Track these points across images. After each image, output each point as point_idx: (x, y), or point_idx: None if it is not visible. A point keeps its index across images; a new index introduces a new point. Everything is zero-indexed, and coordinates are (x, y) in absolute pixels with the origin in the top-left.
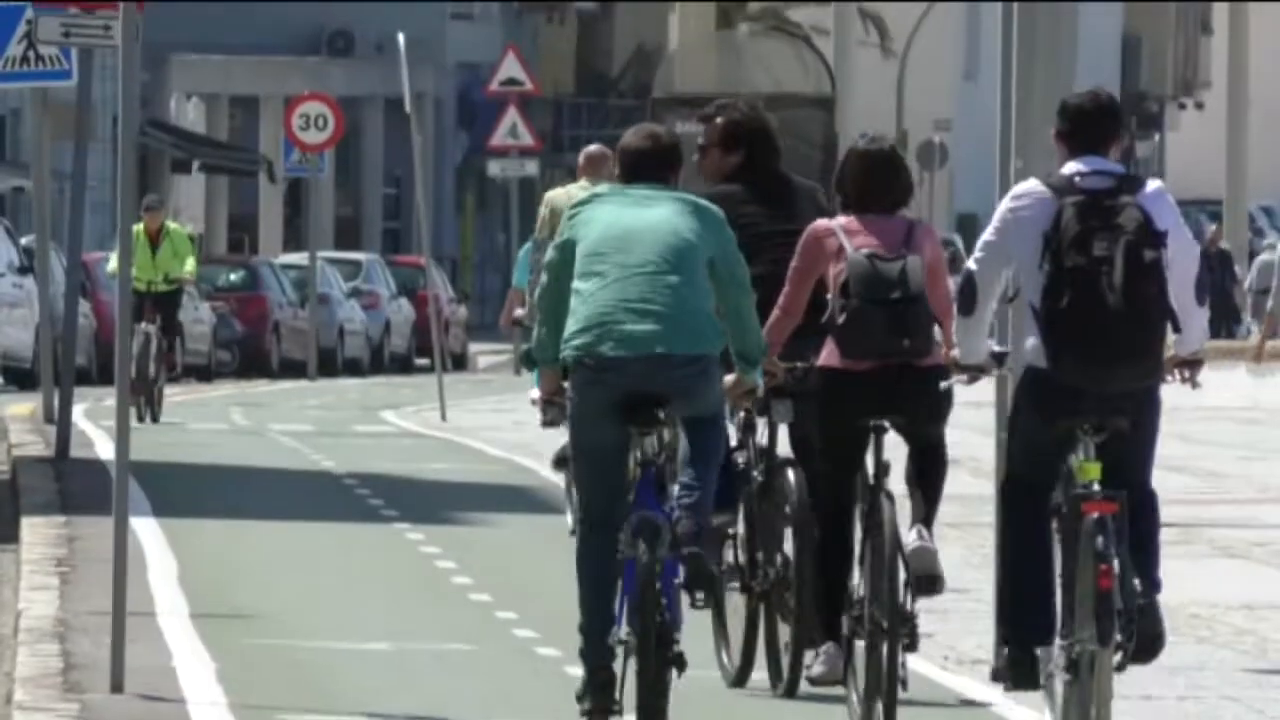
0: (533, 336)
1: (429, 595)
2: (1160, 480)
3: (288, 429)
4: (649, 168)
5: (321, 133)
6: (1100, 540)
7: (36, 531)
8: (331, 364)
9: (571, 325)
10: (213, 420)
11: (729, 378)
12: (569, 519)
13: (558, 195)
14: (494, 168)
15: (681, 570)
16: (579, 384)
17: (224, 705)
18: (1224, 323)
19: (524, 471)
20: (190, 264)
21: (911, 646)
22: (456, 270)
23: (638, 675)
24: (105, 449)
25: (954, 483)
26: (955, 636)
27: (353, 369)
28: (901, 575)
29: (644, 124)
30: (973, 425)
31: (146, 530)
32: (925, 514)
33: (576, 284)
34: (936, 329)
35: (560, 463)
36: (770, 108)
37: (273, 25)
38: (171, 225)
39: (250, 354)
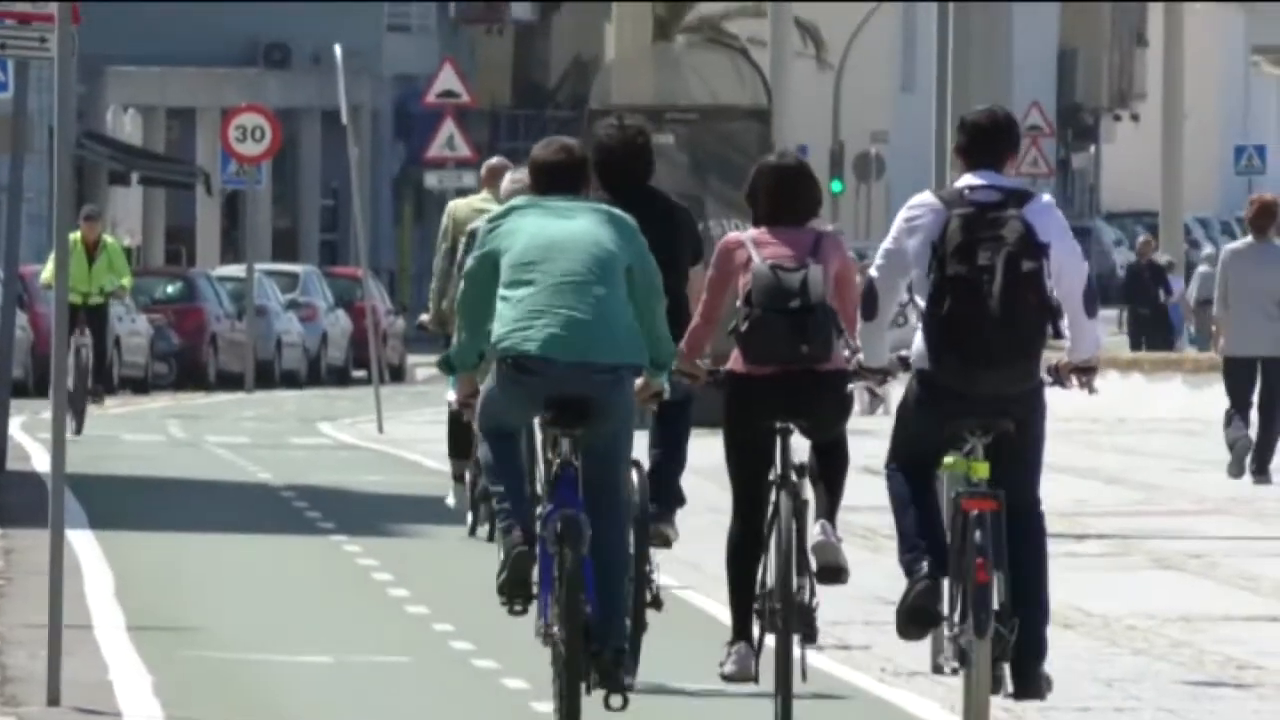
0: (452, 343)
1: (366, 607)
2: (1097, 492)
3: (225, 441)
4: (563, 180)
5: (259, 144)
6: (979, 535)
7: None
8: (269, 376)
9: (500, 327)
10: (149, 432)
11: (638, 381)
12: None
13: (459, 206)
14: (431, 179)
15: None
16: (502, 380)
17: (161, 718)
18: (1159, 334)
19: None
20: (127, 278)
21: (810, 639)
22: (394, 282)
23: (565, 665)
24: (42, 462)
25: None
26: (893, 649)
27: (290, 381)
28: (795, 570)
29: (555, 138)
30: None
31: (83, 543)
32: (829, 508)
33: (505, 291)
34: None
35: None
36: (707, 119)
37: (209, 36)
38: (108, 239)
39: (187, 366)
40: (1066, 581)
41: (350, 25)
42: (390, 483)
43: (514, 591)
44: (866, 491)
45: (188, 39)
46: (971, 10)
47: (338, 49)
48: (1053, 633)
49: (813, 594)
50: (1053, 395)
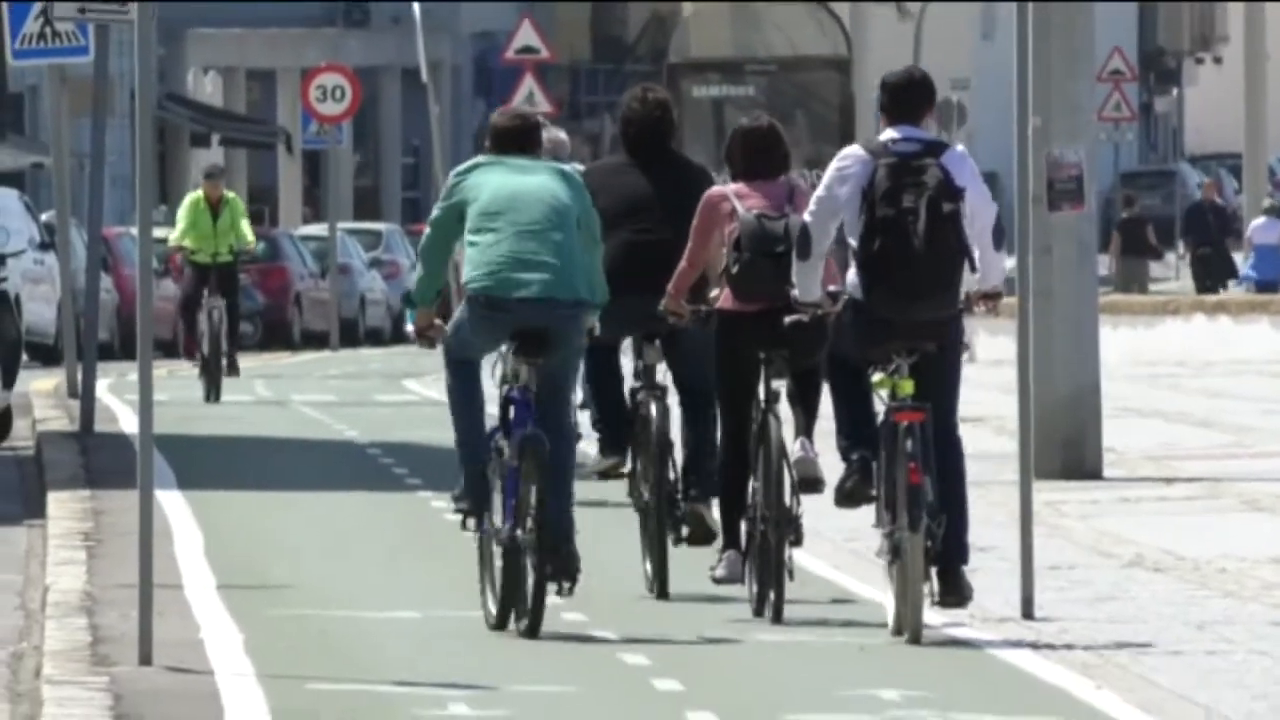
0: (413, 280)
1: (454, 563)
2: (1187, 435)
3: (311, 399)
4: (518, 142)
5: (339, 104)
6: (909, 443)
7: (62, 506)
8: (353, 334)
9: (471, 270)
10: (236, 392)
11: None
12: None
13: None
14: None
15: (549, 565)
16: (474, 315)
17: (252, 676)
18: (1221, 277)
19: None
20: (248, 232)
21: (797, 542)
22: None
23: (534, 566)
24: (129, 423)
25: (977, 441)
26: (982, 595)
27: (374, 339)
28: (787, 480)
29: (510, 107)
30: (994, 384)
31: (172, 503)
32: (806, 427)
33: (473, 237)
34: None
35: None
36: (786, 71)
37: None
38: (230, 195)
39: (272, 325)
40: (1156, 525)
41: None
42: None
43: (476, 510)
44: None
45: (266, 0)
46: None
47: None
48: (1144, 576)
49: (797, 502)
50: (1139, 341)
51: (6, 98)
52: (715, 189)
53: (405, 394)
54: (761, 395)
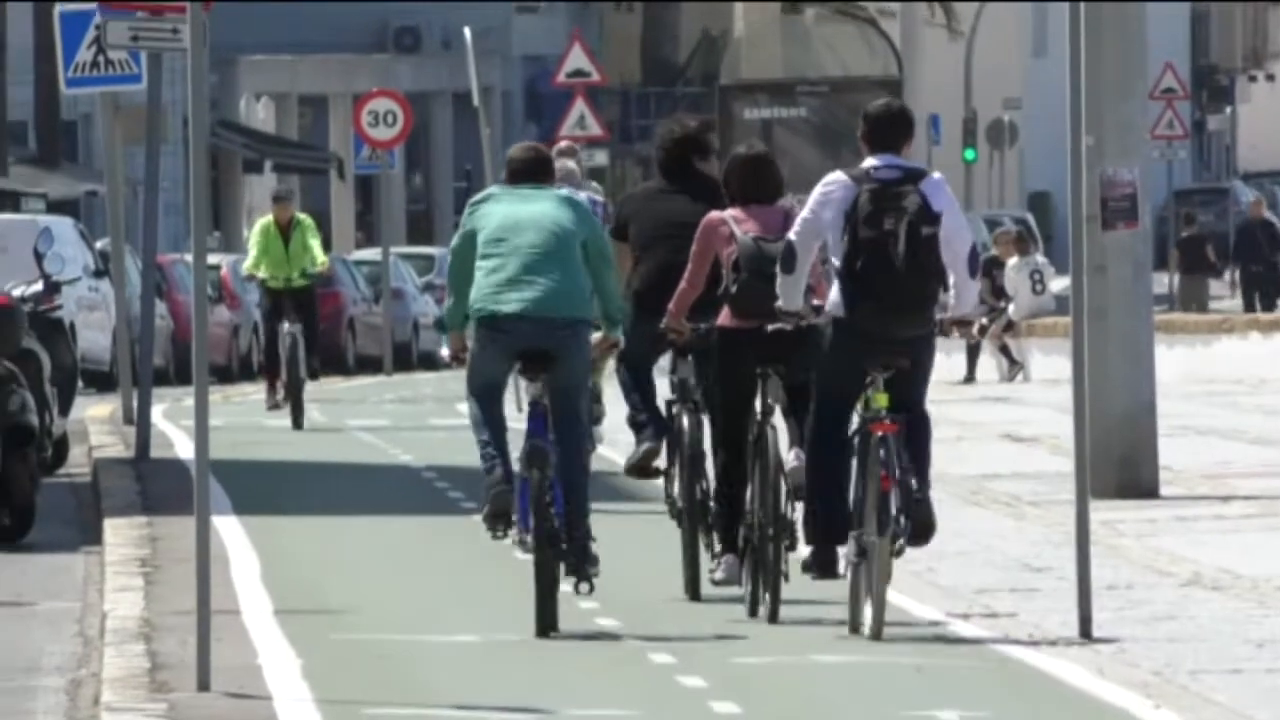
0: (444, 307)
1: (512, 586)
2: (1243, 453)
3: (365, 424)
4: (530, 173)
5: (391, 129)
6: (882, 453)
7: (119, 533)
8: (407, 358)
9: (476, 294)
10: (290, 418)
11: (597, 335)
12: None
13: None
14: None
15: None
16: (480, 338)
17: (310, 701)
18: (1272, 295)
19: (601, 460)
20: (319, 253)
21: (791, 547)
22: None
23: (536, 567)
24: (185, 449)
25: (1032, 461)
26: (1040, 614)
27: (428, 363)
28: (783, 488)
29: (525, 141)
30: (1050, 403)
31: (228, 528)
32: (799, 437)
33: (480, 263)
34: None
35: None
36: (838, 91)
37: (339, 23)
38: (301, 217)
39: (326, 351)
40: (1213, 544)
41: (479, 7)
42: None
43: (494, 523)
44: (1008, 458)
45: (318, 26)
46: None
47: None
48: (1202, 595)
49: (791, 509)
50: (1194, 359)
51: (60, 126)
52: (714, 214)
53: (459, 418)
54: (758, 408)
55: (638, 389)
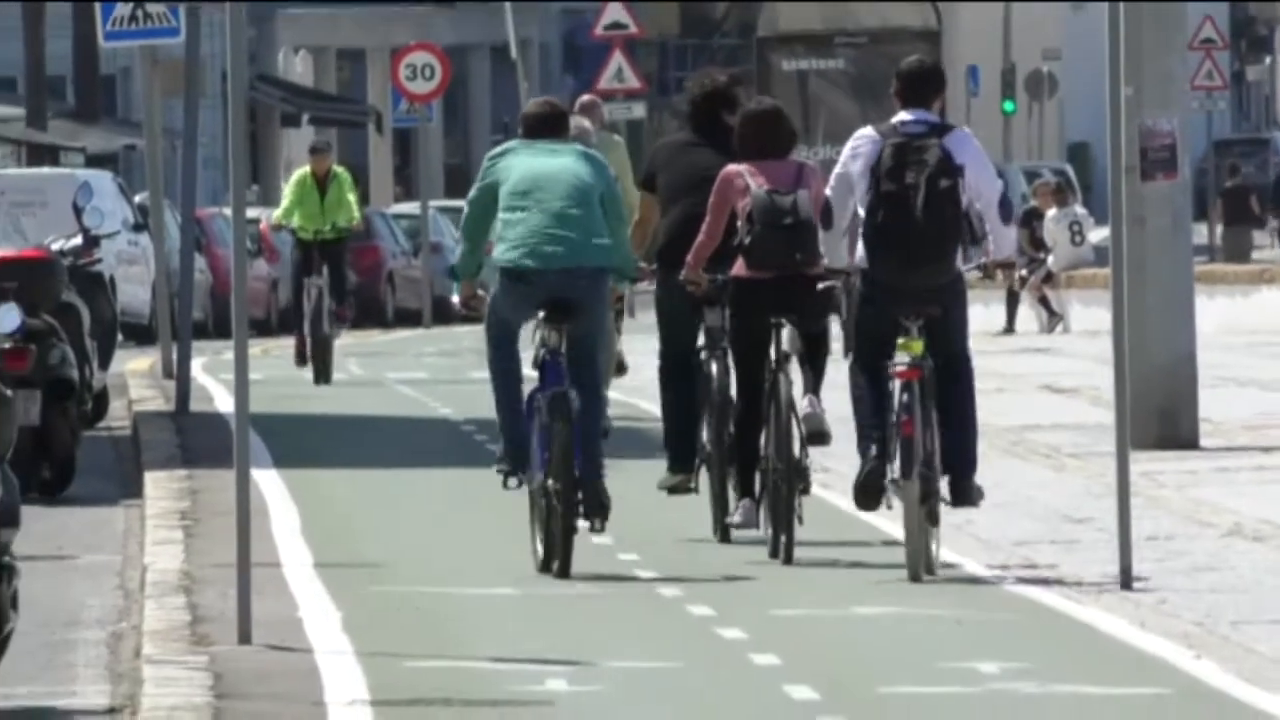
0: (456, 254)
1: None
2: None
3: (405, 377)
4: (547, 127)
5: (429, 82)
6: (905, 398)
7: (159, 486)
8: (446, 312)
9: (502, 246)
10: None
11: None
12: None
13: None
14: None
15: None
16: (506, 286)
17: (351, 654)
18: None
19: (639, 413)
20: (355, 210)
21: (805, 490)
22: None
23: (562, 514)
24: (224, 402)
25: (1073, 412)
26: (1080, 566)
27: (467, 316)
28: (796, 434)
29: (541, 97)
30: (1089, 355)
31: (268, 482)
32: (814, 385)
33: (505, 215)
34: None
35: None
36: (876, 43)
37: None
38: (338, 170)
39: (365, 304)
40: (1254, 494)
41: None
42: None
43: (513, 467)
44: (1048, 409)
45: None
46: None
47: None
48: (1242, 546)
49: (804, 454)
50: (1234, 310)
51: (99, 80)
52: (730, 167)
53: None
54: (773, 356)
55: (670, 387)
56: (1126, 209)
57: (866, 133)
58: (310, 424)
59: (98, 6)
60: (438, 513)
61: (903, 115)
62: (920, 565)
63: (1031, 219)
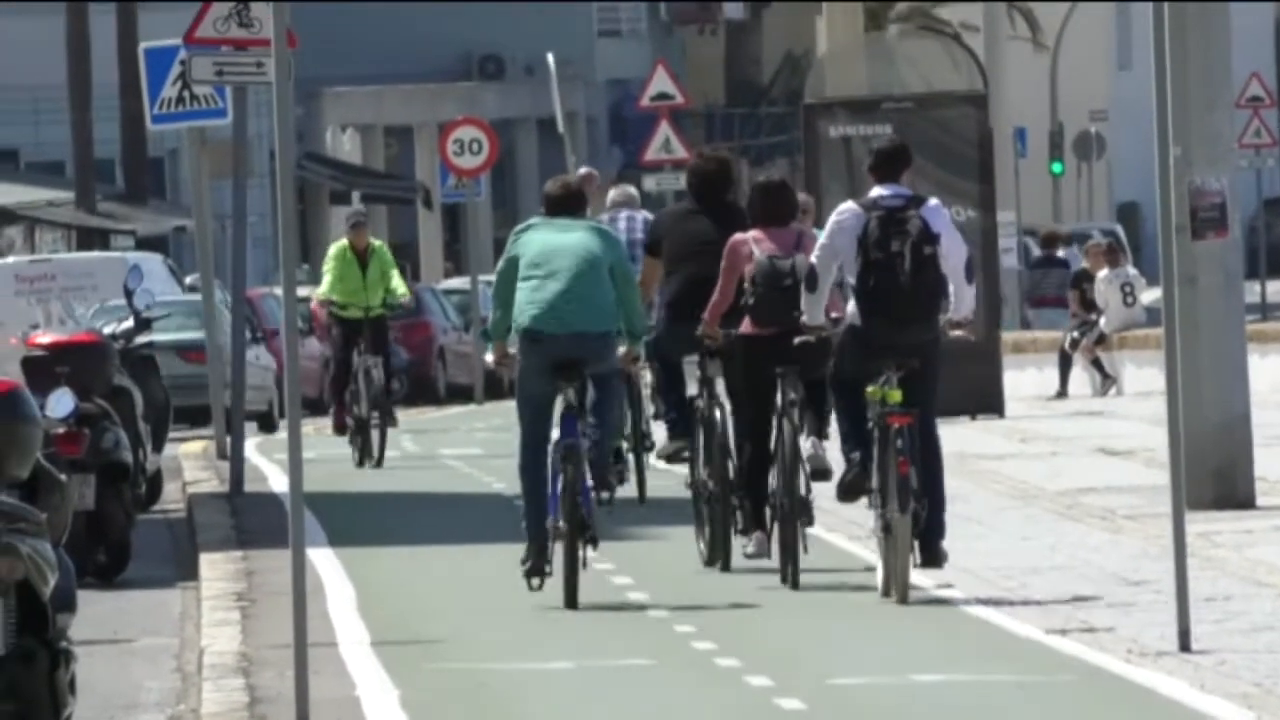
0: (489, 320)
1: (607, 612)
2: None
3: (458, 453)
4: (563, 206)
5: (477, 157)
6: (900, 441)
7: (215, 567)
8: (497, 387)
9: (518, 311)
10: (359, 451)
11: (621, 348)
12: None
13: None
14: (649, 182)
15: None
16: (524, 350)
17: None
18: None
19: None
20: (401, 284)
21: (809, 523)
22: None
23: (565, 549)
24: (278, 482)
25: (1128, 474)
26: (1138, 629)
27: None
28: (801, 473)
29: (558, 176)
30: (1143, 416)
31: (324, 560)
32: (816, 428)
33: (521, 284)
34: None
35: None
36: (923, 108)
37: (422, 53)
38: (376, 243)
39: (417, 380)
40: None
41: (562, 33)
42: (624, 487)
43: (534, 568)
44: (1103, 472)
45: (402, 56)
46: (1187, 9)
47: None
48: (1263, 595)
49: (808, 490)
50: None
51: (147, 162)
52: (738, 235)
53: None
54: (778, 403)
55: (667, 384)
56: (1178, 269)
57: (849, 207)
58: (364, 502)
59: (145, 89)
60: (494, 588)
61: (880, 190)
62: (897, 589)
63: (1082, 280)
